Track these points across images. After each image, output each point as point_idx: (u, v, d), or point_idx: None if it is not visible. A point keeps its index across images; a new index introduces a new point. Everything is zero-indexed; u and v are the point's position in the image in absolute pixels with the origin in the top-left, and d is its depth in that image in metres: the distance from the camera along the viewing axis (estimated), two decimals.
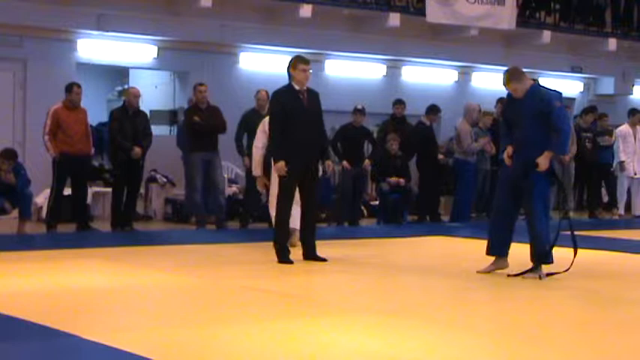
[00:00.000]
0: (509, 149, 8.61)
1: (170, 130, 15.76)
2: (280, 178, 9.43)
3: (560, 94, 8.66)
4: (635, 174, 16.30)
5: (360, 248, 11.05)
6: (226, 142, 13.14)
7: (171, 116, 15.88)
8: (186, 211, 13.83)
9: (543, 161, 8.38)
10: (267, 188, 10.77)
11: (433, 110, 15.00)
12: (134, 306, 7.06)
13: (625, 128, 16.39)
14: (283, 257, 9.27)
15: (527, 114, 8.46)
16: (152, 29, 14.71)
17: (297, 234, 9.92)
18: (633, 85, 19.94)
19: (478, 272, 8.72)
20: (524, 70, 8.91)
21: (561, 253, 8.50)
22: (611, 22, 19.01)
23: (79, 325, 5.87)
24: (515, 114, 8.62)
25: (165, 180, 14.70)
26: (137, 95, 12.84)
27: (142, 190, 13.87)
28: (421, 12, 16.23)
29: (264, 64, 15.79)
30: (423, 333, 6.01)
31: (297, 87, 9.46)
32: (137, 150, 12.44)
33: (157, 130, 14.43)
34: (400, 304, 7.32)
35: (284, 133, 9.34)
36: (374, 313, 6.71)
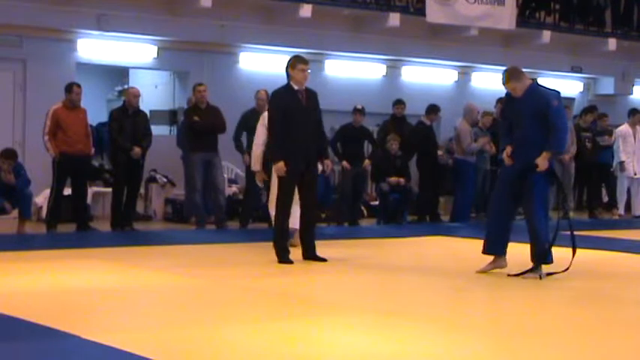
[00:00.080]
0: (509, 149, 8.61)
1: (170, 130, 15.75)
2: (279, 178, 9.43)
3: (559, 93, 8.67)
4: (635, 174, 16.29)
5: (360, 248, 11.05)
6: (226, 142, 13.14)
7: (171, 116, 15.88)
8: (186, 211, 13.83)
9: (542, 162, 8.39)
10: (268, 180, 10.73)
11: (433, 110, 15.00)
12: (134, 306, 7.06)
13: (625, 128, 16.39)
14: (283, 257, 9.26)
15: (527, 114, 8.47)
16: (152, 29, 14.71)
17: (298, 234, 9.91)
18: (633, 85, 19.93)
19: (477, 272, 8.72)
20: (525, 70, 8.92)
21: (561, 253, 8.50)
22: (611, 22, 19.01)
23: (79, 325, 5.87)
24: (515, 113, 8.64)
25: (165, 180, 14.70)
26: (137, 95, 12.85)
27: (142, 190, 13.88)
28: (421, 12, 16.22)
29: (264, 64, 15.79)
30: (422, 333, 6.01)
31: (295, 87, 9.46)
32: (137, 150, 12.45)
33: (157, 130, 14.43)
34: (400, 304, 7.32)
35: (283, 133, 9.34)
36: (374, 313, 6.71)
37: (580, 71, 19.21)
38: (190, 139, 12.95)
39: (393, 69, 17.51)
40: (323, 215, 14.21)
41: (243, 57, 15.97)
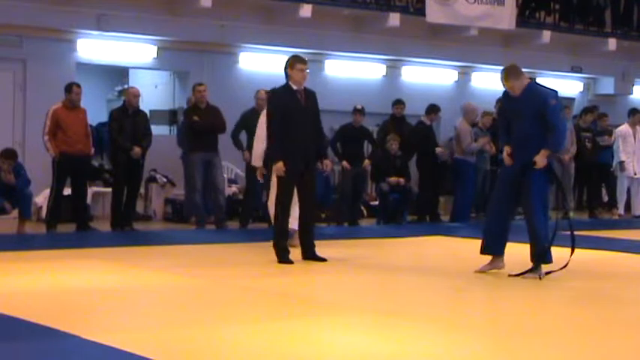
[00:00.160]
0: (508, 148, 8.61)
1: (170, 130, 15.75)
2: (279, 178, 9.43)
3: (556, 92, 8.68)
4: (635, 174, 16.29)
5: (360, 248, 11.05)
6: (226, 142, 13.15)
7: (171, 116, 15.88)
8: (186, 211, 13.83)
9: (540, 159, 8.40)
10: (268, 175, 10.71)
11: (433, 110, 15.00)
12: (134, 306, 7.06)
13: (625, 128, 16.39)
14: (283, 257, 9.26)
15: (526, 113, 8.48)
16: (152, 29, 14.71)
17: (297, 234, 9.90)
18: (633, 85, 19.93)
19: (475, 272, 8.72)
20: (525, 70, 8.92)
21: (560, 253, 8.49)
22: (610, 22, 19.01)
23: (79, 325, 5.87)
24: (513, 112, 8.64)
25: (165, 180, 14.71)
26: (137, 95, 12.85)
27: (142, 190, 13.88)
28: (421, 12, 16.22)
29: (263, 64, 15.79)
30: (422, 333, 6.01)
31: (294, 87, 9.45)
32: (137, 150, 12.45)
33: (157, 130, 14.43)
34: (400, 304, 7.32)
35: (282, 133, 9.33)
36: (373, 313, 6.71)
37: (580, 71, 19.21)
38: (190, 139, 12.96)
39: (393, 69, 17.51)
40: (323, 215, 14.21)
41: (243, 57, 15.97)
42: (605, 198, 17.11)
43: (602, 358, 5.51)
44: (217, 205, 13.05)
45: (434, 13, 16.17)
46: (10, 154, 11.82)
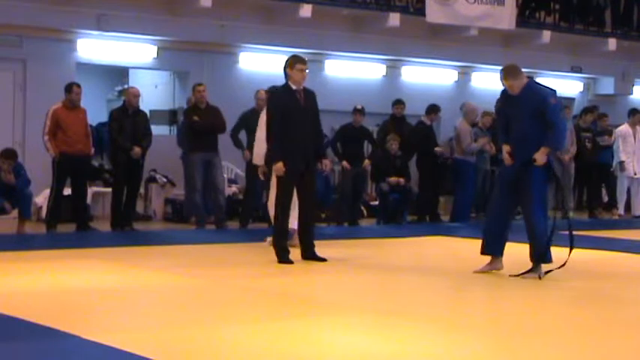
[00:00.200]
0: (507, 147, 8.61)
1: (170, 130, 15.75)
2: (279, 178, 9.42)
3: (555, 91, 8.70)
4: (635, 174, 16.29)
5: (360, 248, 11.05)
6: (226, 142, 13.15)
7: (171, 116, 15.88)
8: (186, 211, 13.83)
9: (540, 156, 8.40)
10: (269, 174, 10.70)
11: (433, 110, 15.01)
12: (134, 306, 7.06)
13: (625, 128, 16.39)
14: (283, 257, 9.26)
15: (525, 112, 8.48)
16: (152, 29, 14.71)
17: (296, 234, 9.90)
18: (633, 85, 19.93)
19: (474, 272, 8.72)
20: (525, 70, 8.93)
21: (560, 253, 8.48)
22: (611, 22, 19.01)
23: (79, 325, 5.87)
24: (513, 111, 8.63)
25: (165, 180, 14.70)
26: (137, 95, 12.85)
27: (142, 190, 13.88)
28: (421, 12, 16.22)
29: (263, 64, 15.78)
30: (422, 333, 6.01)
31: (294, 87, 9.45)
32: (137, 150, 12.45)
33: (157, 130, 14.43)
34: (400, 304, 7.32)
35: (281, 133, 9.33)
36: (374, 313, 6.71)
37: (580, 71, 19.21)
38: (190, 139, 12.96)
39: (393, 69, 17.51)
40: (323, 215, 14.22)
41: (243, 57, 15.97)
42: (605, 198, 17.10)
43: (602, 358, 5.51)
44: (217, 205, 13.05)
45: (434, 13, 16.17)
46: (10, 154, 11.83)
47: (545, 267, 8.45)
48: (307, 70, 9.59)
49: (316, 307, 7.03)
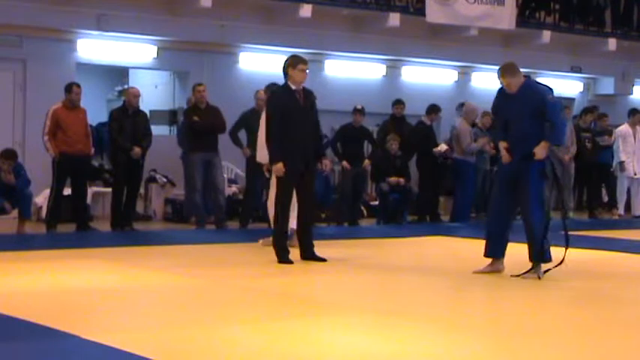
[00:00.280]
0: (505, 144, 8.61)
1: (170, 130, 15.76)
2: (278, 178, 9.42)
3: (552, 89, 8.72)
4: (635, 174, 16.30)
5: (360, 248, 11.05)
6: (226, 142, 13.14)
7: (171, 116, 15.88)
8: (186, 211, 13.83)
9: (540, 151, 8.41)
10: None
11: (433, 110, 15.01)
12: (134, 306, 7.06)
13: (625, 128, 16.39)
14: (283, 257, 9.26)
15: (524, 111, 8.48)
16: (152, 29, 14.71)
17: (296, 234, 9.90)
18: (633, 85, 19.94)
19: (474, 272, 8.71)
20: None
21: (559, 253, 8.47)
22: (610, 22, 19.01)
23: (79, 325, 5.87)
24: (511, 110, 8.63)
25: (164, 180, 14.71)
26: (137, 95, 12.85)
27: (142, 190, 13.88)
28: (421, 12, 16.23)
29: (263, 64, 15.78)
30: (422, 333, 6.01)
31: (293, 86, 9.44)
32: (137, 150, 12.45)
33: (157, 130, 14.43)
34: (400, 304, 7.32)
35: (281, 133, 9.32)
36: (374, 313, 6.71)
37: (580, 71, 19.22)
38: (190, 139, 12.96)
39: (393, 69, 17.51)
40: (323, 215, 14.22)
41: (243, 57, 15.97)
42: (605, 198, 17.11)
43: (601, 358, 5.51)
44: (217, 205, 13.05)
45: (434, 13, 16.18)
46: (10, 155, 11.83)
47: (543, 266, 8.45)
48: (307, 70, 9.60)
49: (316, 307, 7.03)
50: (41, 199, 13.01)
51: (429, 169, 14.86)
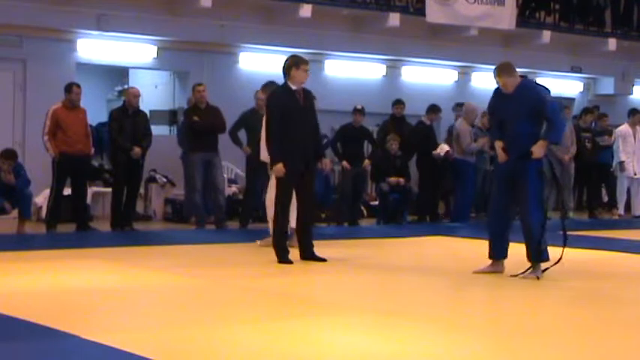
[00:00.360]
0: (500, 143, 8.61)
1: (170, 130, 15.76)
2: (278, 178, 9.41)
3: (549, 89, 8.74)
4: (635, 174, 16.30)
5: (360, 248, 11.05)
6: (226, 141, 13.14)
7: (171, 116, 15.89)
8: (186, 211, 13.83)
9: (538, 149, 8.41)
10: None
11: (433, 110, 15.02)
12: (134, 306, 7.06)
13: (625, 128, 16.39)
14: (283, 257, 9.26)
15: (521, 111, 8.48)
16: (152, 29, 14.72)
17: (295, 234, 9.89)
18: (633, 85, 19.94)
19: (474, 272, 8.71)
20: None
21: (558, 253, 8.47)
22: (610, 22, 19.02)
23: (79, 325, 5.87)
24: (507, 110, 8.62)
25: (164, 180, 14.71)
26: (137, 95, 12.85)
27: (142, 190, 13.88)
28: (421, 12, 16.23)
29: (263, 64, 15.79)
30: (422, 333, 6.01)
31: (293, 87, 9.44)
32: (137, 150, 12.45)
33: (157, 130, 14.43)
34: (400, 304, 7.32)
35: (281, 133, 9.31)
36: (374, 313, 6.71)
37: (580, 71, 19.22)
38: (190, 139, 12.96)
39: (393, 69, 17.51)
40: (323, 215, 14.23)
41: (242, 57, 15.98)
42: (605, 198, 17.11)
43: (601, 358, 5.51)
44: (217, 205, 13.05)
45: (434, 13, 16.18)
46: (10, 155, 11.83)
47: (541, 265, 8.45)
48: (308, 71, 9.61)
49: (316, 307, 7.03)
50: (41, 199, 13.02)
51: (429, 169, 14.86)
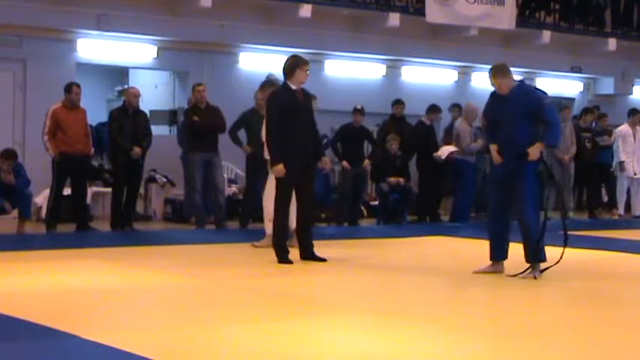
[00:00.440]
0: (495, 146, 8.63)
1: (170, 130, 15.76)
2: (278, 178, 9.39)
3: (546, 93, 8.77)
4: (635, 174, 16.30)
5: (360, 248, 11.05)
6: (226, 142, 13.14)
7: (170, 116, 15.88)
8: (186, 211, 13.83)
9: (534, 151, 8.42)
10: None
11: (434, 110, 15.02)
12: (134, 306, 7.06)
13: (625, 128, 16.39)
14: (283, 257, 9.25)
15: (517, 112, 8.48)
16: (152, 29, 14.71)
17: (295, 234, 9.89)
18: (633, 85, 19.94)
19: (474, 272, 8.71)
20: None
21: (557, 253, 8.47)
22: (610, 22, 19.02)
23: (79, 325, 5.87)
24: (502, 112, 8.63)
25: (164, 180, 14.70)
26: (137, 95, 12.84)
27: (142, 190, 13.88)
28: (421, 12, 16.23)
29: (263, 64, 15.76)
30: (422, 333, 6.01)
31: (293, 86, 9.43)
32: (137, 150, 12.45)
33: (157, 130, 14.42)
34: (400, 304, 7.32)
35: (282, 133, 9.30)
36: (374, 313, 6.71)
37: (580, 71, 19.21)
38: (190, 139, 12.96)
39: (393, 69, 17.51)
40: (323, 215, 14.22)
41: (242, 57, 15.97)
42: (605, 198, 17.11)
43: (601, 358, 5.51)
44: (217, 205, 13.05)
45: (434, 13, 16.18)
46: (10, 155, 11.83)
47: (541, 265, 8.45)
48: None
49: (316, 307, 7.03)
50: (41, 199, 13.01)
51: (429, 169, 14.85)
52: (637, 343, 5.96)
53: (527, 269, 8.44)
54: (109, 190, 13.30)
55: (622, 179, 16.32)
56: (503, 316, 6.92)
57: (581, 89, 20.10)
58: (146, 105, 14.41)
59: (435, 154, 14.70)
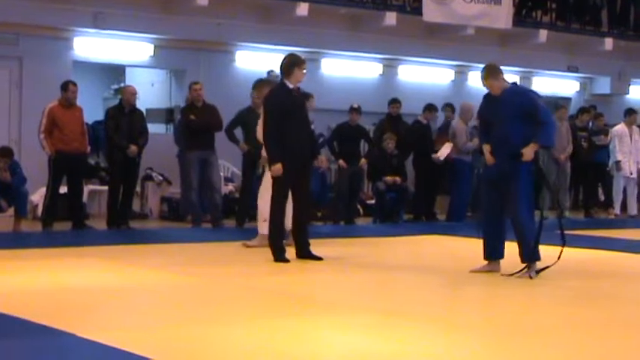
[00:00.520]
0: (488, 147, 8.64)
1: (166, 129, 15.75)
2: (275, 177, 9.38)
3: (539, 94, 8.81)
4: (631, 173, 16.31)
5: (357, 247, 11.05)
6: (223, 140, 13.13)
7: (167, 114, 15.88)
8: (182, 210, 13.82)
9: (528, 151, 8.41)
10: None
11: (430, 109, 15.02)
12: (130, 304, 7.05)
13: (621, 128, 16.40)
14: (279, 256, 9.25)
15: (509, 113, 8.49)
16: (148, 27, 14.70)
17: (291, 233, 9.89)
18: (629, 85, 19.97)
19: (471, 271, 8.71)
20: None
21: (554, 252, 8.47)
22: (607, 22, 19.04)
23: (75, 323, 5.86)
24: (496, 113, 8.64)
25: (161, 178, 14.69)
26: (133, 93, 12.83)
27: (138, 189, 13.87)
28: (417, 11, 16.23)
29: (260, 63, 15.77)
30: (421, 332, 6.00)
31: (290, 85, 9.42)
32: (133, 148, 12.43)
33: (153, 128, 14.43)
34: (397, 302, 7.32)
35: (279, 132, 9.29)
36: (371, 311, 6.71)
37: (576, 71, 19.23)
38: (187, 137, 12.95)
39: (390, 68, 17.51)
40: (319, 214, 14.22)
41: (239, 55, 15.97)
42: (602, 197, 17.12)
43: (600, 358, 5.51)
44: (214, 203, 13.04)
45: (430, 12, 16.18)
46: (6, 152, 11.82)
47: (538, 265, 8.45)
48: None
49: (313, 306, 7.03)
50: (37, 197, 13.00)
51: (426, 168, 14.85)
52: (635, 342, 5.96)
53: (522, 269, 8.44)
54: (106, 188, 13.28)
55: (618, 179, 16.33)
56: (502, 315, 6.91)
57: (578, 89, 20.12)
58: (142, 103, 14.37)
59: (433, 156, 14.70)
